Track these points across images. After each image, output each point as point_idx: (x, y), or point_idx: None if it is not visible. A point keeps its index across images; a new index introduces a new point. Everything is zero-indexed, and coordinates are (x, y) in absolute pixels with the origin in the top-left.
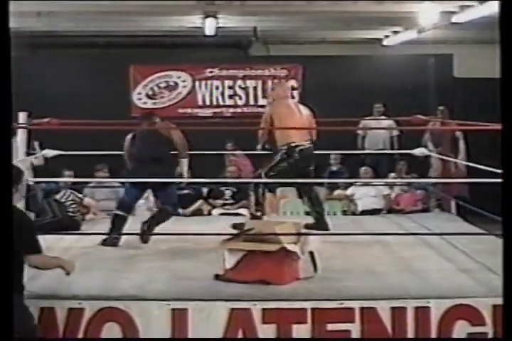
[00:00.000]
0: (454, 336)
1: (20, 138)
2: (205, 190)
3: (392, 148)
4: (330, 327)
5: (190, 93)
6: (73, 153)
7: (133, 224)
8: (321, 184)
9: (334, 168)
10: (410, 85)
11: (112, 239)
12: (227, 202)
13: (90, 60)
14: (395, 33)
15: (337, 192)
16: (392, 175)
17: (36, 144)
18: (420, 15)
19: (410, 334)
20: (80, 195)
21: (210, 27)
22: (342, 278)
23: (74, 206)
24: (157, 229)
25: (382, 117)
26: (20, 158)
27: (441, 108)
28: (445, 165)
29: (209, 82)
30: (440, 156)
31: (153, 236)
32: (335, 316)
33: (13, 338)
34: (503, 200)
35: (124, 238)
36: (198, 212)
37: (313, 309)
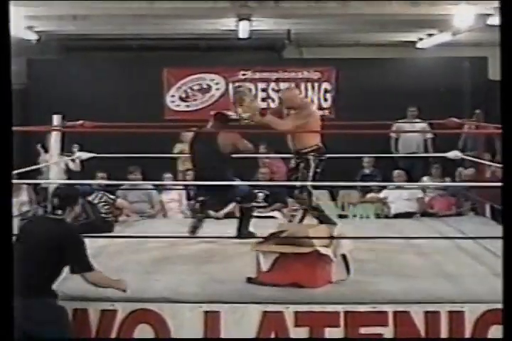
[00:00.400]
0: None
1: (54, 141)
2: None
3: (426, 152)
4: (363, 330)
5: (223, 95)
6: (106, 156)
7: (167, 227)
8: (354, 187)
9: (367, 171)
10: (445, 88)
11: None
12: (260, 204)
13: (124, 63)
14: (430, 35)
15: (370, 195)
16: (426, 178)
17: (75, 147)
18: (455, 17)
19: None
20: (113, 197)
21: (243, 30)
22: (375, 282)
23: (106, 207)
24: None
25: (417, 120)
26: (54, 160)
27: (477, 111)
28: (480, 168)
29: (242, 84)
30: (475, 159)
31: (182, 239)
32: (368, 320)
33: (13, 338)
34: (503, 201)
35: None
36: (231, 215)
37: (346, 312)
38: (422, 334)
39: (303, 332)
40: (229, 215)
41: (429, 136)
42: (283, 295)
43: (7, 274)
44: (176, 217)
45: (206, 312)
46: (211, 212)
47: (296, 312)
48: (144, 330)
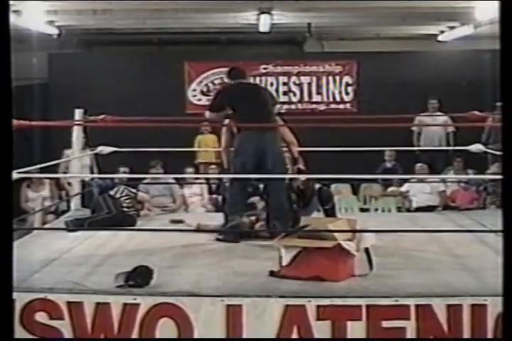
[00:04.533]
0: None
1: (76, 135)
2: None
3: (448, 145)
4: (385, 324)
5: None
6: (128, 150)
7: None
8: (375, 180)
9: (388, 165)
10: (466, 81)
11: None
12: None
13: (145, 57)
14: (451, 28)
15: (391, 188)
16: (448, 171)
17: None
18: (477, 10)
19: (466, 332)
20: (134, 190)
21: (264, 23)
22: (397, 275)
23: (128, 201)
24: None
25: (438, 113)
26: (76, 155)
27: (499, 104)
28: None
29: (263, 78)
30: (499, 153)
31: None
32: (390, 313)
33: (13, 338)
34: (503, 199)
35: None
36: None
37: (368, 306)
38: (445, 327)
39: (325, 326)
40: None
41: (451, 129)
42: (305, 289)
43: (7, 274)
44: (197, 211)
45: (228, 306)
46: None
47: (318, 306)
48: (166, 324)
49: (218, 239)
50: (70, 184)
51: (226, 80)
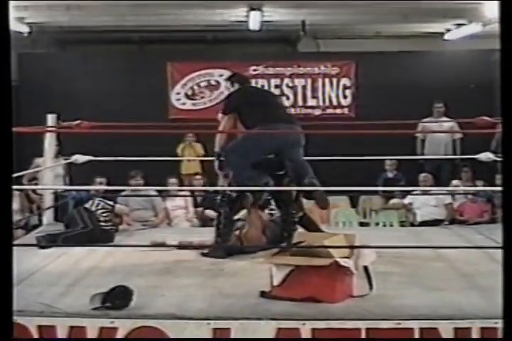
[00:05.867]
0: None
1: (48, 143)
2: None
3: (454, 153)
4: None
5: None
6: (105, 159)
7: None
8: (376, 192)
9: (390, 175)
10: (474, 83)
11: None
12: (273, 211)
13: (124, 58)
14: (458, 26)
15: (393, 200)
16: (455, 182)
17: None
18: (486, 6)
19: None
20: (111, 202)
21: (254, 21)
22: (400, 296)
23: (105, 215)
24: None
25: (444, 119)
26: (48, 164)
27: None
28: None
29: (253, 80)
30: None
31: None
32: (392, 337)
33: (13, 338)
34: (504, 201)
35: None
36: None
37: (367, 329)
38: None
39: None
40: None
41: (458, 136)
42: (299, 311)
43: (7, 274)
44: (182, 226)
45: (215, 330)
46: None
47: (314, 329)
48: None
49: (204, 255)
50: (41, 196)
51: (212, 83)
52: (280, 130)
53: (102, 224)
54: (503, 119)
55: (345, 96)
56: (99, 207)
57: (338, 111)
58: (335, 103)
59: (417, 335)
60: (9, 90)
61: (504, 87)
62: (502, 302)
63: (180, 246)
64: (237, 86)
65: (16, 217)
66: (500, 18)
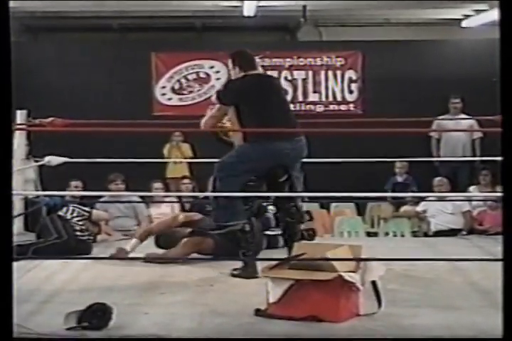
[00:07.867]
0: None
1: (17, 143)
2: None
3: (473, 155)
4: None
5: None
6: (81, 161)
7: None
8: (385, 198)
9: (400, 179)
10: (496, 76)
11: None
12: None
13: (103, 47)
14: (478, 12)
15: (404, 208)
16: (473, 187)
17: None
18: None
19: None
20: (87, 209)
21: (249, 6)
22: (412, 314)
23: (81, 223)
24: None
25: (461, 116)
26: (18, 166)
27: None
28: None
29: None
30: None
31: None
32: None
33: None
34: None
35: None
36: None
37: None
38: None
39: None
40: None
41: (478, 135)
42: (299, 331)
43: (7, 274)
44: None
45: None
46: None
47: None
48: None
49: (234, 275)
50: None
51: (202, 75)
52: (282, 149)
53: (78, 233)
54: (503, 119)
55: (350, 91)
56: (75, 215)
57: (343, 107)
58: (339, 98)
59: None
60: (9, 90)
61: (504, 86)
62: (502, 301)
63: (164, 260)
64: (238, 70)
65: None
66: (501, 18)
